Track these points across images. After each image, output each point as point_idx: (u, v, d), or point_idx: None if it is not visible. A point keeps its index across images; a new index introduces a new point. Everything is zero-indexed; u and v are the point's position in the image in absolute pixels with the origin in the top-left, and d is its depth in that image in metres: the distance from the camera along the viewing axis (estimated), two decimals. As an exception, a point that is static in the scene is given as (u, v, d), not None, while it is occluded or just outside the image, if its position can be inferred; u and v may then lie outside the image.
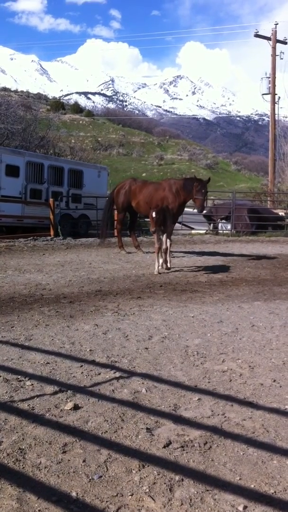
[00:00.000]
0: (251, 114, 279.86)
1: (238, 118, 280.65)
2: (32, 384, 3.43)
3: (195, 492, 2.21)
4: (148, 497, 2.17)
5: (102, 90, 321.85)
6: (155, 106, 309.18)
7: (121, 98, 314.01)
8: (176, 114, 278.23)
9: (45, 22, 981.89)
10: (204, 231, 20.02)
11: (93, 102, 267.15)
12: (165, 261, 9.19)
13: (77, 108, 74.63)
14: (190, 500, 2.16)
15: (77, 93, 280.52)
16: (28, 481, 2.28)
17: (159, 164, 55.31)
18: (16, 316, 5.41)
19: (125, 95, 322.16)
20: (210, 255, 12.02)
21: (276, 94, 26.50)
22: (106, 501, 2.14)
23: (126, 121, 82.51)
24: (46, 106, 63.13)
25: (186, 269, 9.46)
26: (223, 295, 6.93)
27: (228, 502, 2.15)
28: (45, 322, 5.16)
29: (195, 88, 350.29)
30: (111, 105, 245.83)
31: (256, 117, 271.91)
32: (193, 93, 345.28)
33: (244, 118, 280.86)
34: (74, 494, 2.19)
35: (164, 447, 2.61)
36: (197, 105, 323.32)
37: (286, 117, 36.09)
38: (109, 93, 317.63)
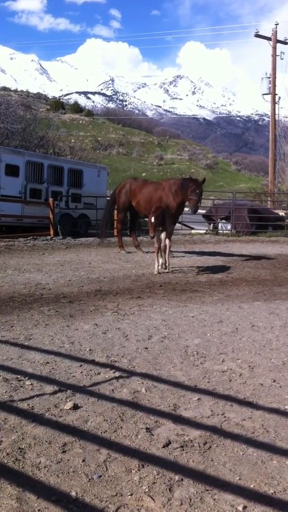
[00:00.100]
0: (251, 114, 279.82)
1: (238, 118, 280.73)
2: (31, 384, 3.43)
3: (195, 492, 2.21)
4: (148, 496, 2.17)
5: (102, 89, 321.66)
6: (155, 106, 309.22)
7: (121, 97, 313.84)
8: (176, 114, 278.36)
9: (45, 21, 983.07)
10: (204, 231, 20.02)
11: (93, 101, 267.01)
12: (165, 261, 9.17)
13: (77, 108, 74.67)
14: (190, 500, 2.16)
15: (77, 92, 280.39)
16: (27, 481, 2.28)
17: (159, 164, 55.36)
18: (16, 315, 5.41)
19: (125, 95, 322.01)
20: (210, 255, 12.02)
21: (276, 94, 26.53)
22: (106, 501, 2.14)
23: (126, 121, 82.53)
24: (46, 106, 63.12)
25: (186, 269, 9.46)
26: (223, 295, 6.93)
27: (227, 502, 2.15)
28: (44, 321, 5.16)
29: (195, 88, 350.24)
30: (111, 105, 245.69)
31: (256, 117, 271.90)
32: (193, 93, 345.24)
33: (244, 118, 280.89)
34: (73, 493, 2.19)
35: (164, 447, 2.61)
36: (197, 105, 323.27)
37: (286, 117, 36.11)
38: (109, 92, 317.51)
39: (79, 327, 4.95)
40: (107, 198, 18.44)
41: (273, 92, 26.31)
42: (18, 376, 3.57)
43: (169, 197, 10.23)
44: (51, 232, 15.65)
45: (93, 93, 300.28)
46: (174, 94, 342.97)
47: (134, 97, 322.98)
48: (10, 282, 7.47)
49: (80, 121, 64.57)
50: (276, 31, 26.50)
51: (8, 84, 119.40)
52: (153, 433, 2.75)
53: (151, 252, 11.50)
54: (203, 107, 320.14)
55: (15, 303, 6.06)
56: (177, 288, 7.37)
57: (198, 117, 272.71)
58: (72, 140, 44.46)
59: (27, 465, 2.42)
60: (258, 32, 26.67)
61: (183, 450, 2.58)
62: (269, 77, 26.35)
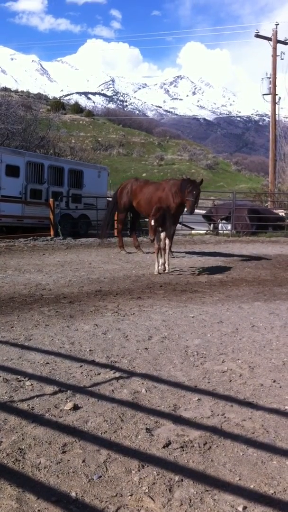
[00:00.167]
0: (252, 114, 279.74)
1: (238, 119, 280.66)
2: (31, 384, 3.43)
3: (195, 493, 2.21)
4: (148, 497, 2.17)
5: (102, 90, 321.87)
6: (156, 106, 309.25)
7: (121, 98, 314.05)
8: (176, 114, 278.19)
9: (45, 22, 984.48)
10: (204, 231, 20.02)
11: (94, 102, 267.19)
12: (165, 262, 9.16)
13: (77, 108, 74.67)
14: (190, 500, 2.16)
15: (77, 93, 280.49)
16: (27, 481, 2.28)
17: (159, 164, 55.36)
18: (16, 316, 5.41)
19: (125, 95, 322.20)
20: (210, 256, 12.02)
21: (276, 95, 26.49)
22: (106, 501, 2.14)
23: (126, 121, 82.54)
24: (46, 106, 63.17)
25: (186, 269, 9.45)
26: (223, 296, 6.93)
27: (227, 502, 2.15)
28: (45, 322, 5.16)
29: (195, 89, 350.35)
30: (112, 105, 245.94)
31: (257, 118, 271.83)
32: (194, 93, 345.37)
33: (244, 118, 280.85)
34: (73, 494, 2.19)
35: (164, 447, 2.61)
36: (198, 106, 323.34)
37: (286, 118, 36.16)
38: (109, 93, 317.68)
39: (79, 328, 4.95)
40: (108, 198, 18.48)
41: (273, 93, 26.30)
42: (18, 377, 3.57)
43: (169, 197, 10.23)
44: (52, 232, 15.66)
45: (94, 94, 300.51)
46: (175, 95, 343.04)
47: (135, 97, 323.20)
48: (10, 283, 7.48)
49: (81, 122, 64.60)
50: (276, 31, 26.48)
51: (9, 85, 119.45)
52: (153, 434, 2.75)
53: (151, 252, 11.49)
54: (204, 107, 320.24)
55: (15, 303, 6.06)
56: (177, 289, 7.37)
57: (199, 117, 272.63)
58: (73, 141, 44.50)
59: (27, 465, 2.42)
60: (258, 32, 26.65)
61: (183, 450, 2.58)
62: (269, 78, 26.33)
